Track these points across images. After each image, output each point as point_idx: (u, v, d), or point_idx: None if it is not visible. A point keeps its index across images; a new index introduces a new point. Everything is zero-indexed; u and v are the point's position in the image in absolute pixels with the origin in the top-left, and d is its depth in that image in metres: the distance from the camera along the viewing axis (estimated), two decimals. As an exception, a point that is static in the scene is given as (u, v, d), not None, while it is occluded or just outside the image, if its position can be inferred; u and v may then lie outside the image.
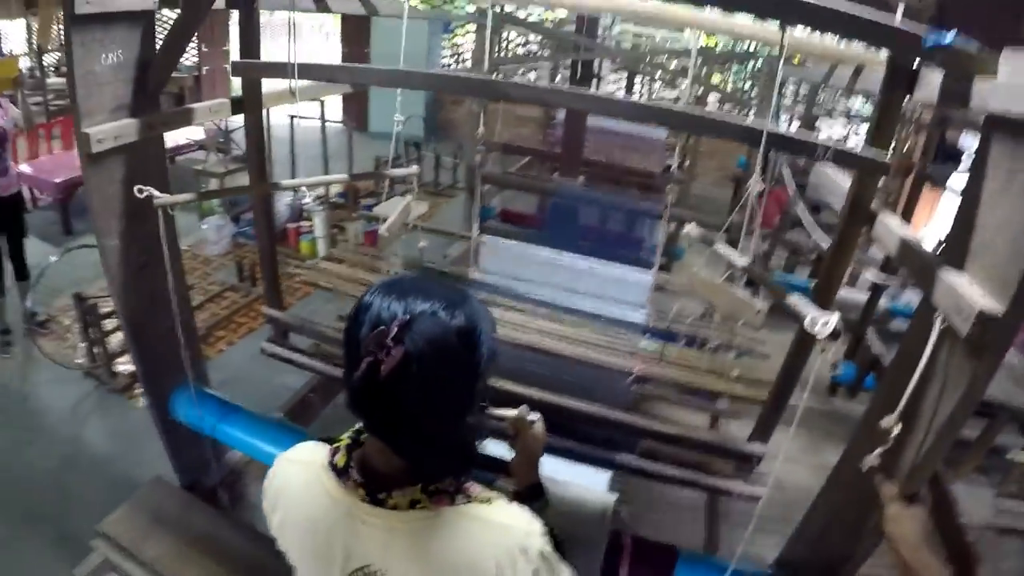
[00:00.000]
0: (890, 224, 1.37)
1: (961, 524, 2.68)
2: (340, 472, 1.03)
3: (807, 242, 4.06)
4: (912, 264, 1.22)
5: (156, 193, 1.79)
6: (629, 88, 8.14)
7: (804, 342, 1.70)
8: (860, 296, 3.74)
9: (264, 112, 2.34)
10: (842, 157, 1.38)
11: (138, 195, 1.77)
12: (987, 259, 1.06)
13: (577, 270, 2.37)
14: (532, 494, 1.33)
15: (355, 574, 1.05)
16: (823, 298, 1.56)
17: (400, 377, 0.85)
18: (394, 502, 0.99)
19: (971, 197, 1.12)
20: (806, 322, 1.17)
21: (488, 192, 4.49)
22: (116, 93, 1.81)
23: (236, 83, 2.31)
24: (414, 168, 2.32)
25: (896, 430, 1.14)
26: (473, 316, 0.96)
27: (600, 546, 1.62)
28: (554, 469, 1.80)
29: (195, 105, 2.18)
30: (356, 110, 9.51)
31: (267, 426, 2.16)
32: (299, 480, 1.10)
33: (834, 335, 1.12)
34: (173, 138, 6.89)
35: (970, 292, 1.02)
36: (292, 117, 5.67)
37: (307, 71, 1.97)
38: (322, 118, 4.91)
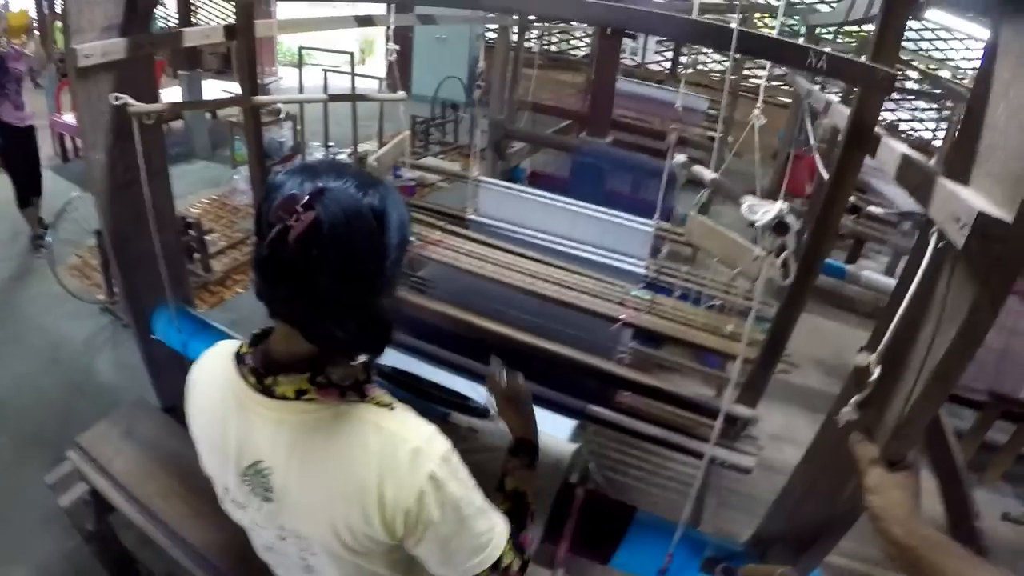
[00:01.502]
0: (893, 144, 1.22)
1: (976, 527, 2.49)
2: (240, 359, 0.98)
3: (846, 224, 3.85)
4: (912, 181, 1.06)
5: (131, 101, 1.79)
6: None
7: (798, 294, 1.54)
8: (890, 281, 3.53)
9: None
10: (840, 67, 1.22)
11: (114, 102, 1.78)
12: (994, 163, 0.89)
13: (576, 216, 2.25)
14: (517, 448, 1.28)
15: (248, 471, 0.99)
16: (821, 232, 1.40)
17: (308, 243, 0.81)
18: (282, 390, 0.92)
19: (978, 95, 0.96)
20: (742, 209, 1.02)
21: (518, 153, 4.41)
22: (107, 13, 1.80)
23: (284, 45, 2.29)
24: (401, 94, 2.26)
25: (876, 372, 0.98)
26: (385, 198, 0.90)
27: (551, 496, 1.52)
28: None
29: (187, 29, 2.18)
30: (399, 74, 9.49)
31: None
32: (210, 370, 1.06)
33: (780, 227, 0.96)
34: (214, 93, 7.07)
35: (969, 196, 0.85)
36: (325, 72, 5.65)
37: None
38: (352, 75, 4.87)
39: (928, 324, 0.93)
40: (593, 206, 2.25)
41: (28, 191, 4.79)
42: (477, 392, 1.73)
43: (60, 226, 4.58)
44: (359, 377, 0.97)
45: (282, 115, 6.28)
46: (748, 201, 0.99)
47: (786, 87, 6.46)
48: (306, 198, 0.82)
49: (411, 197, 2.84)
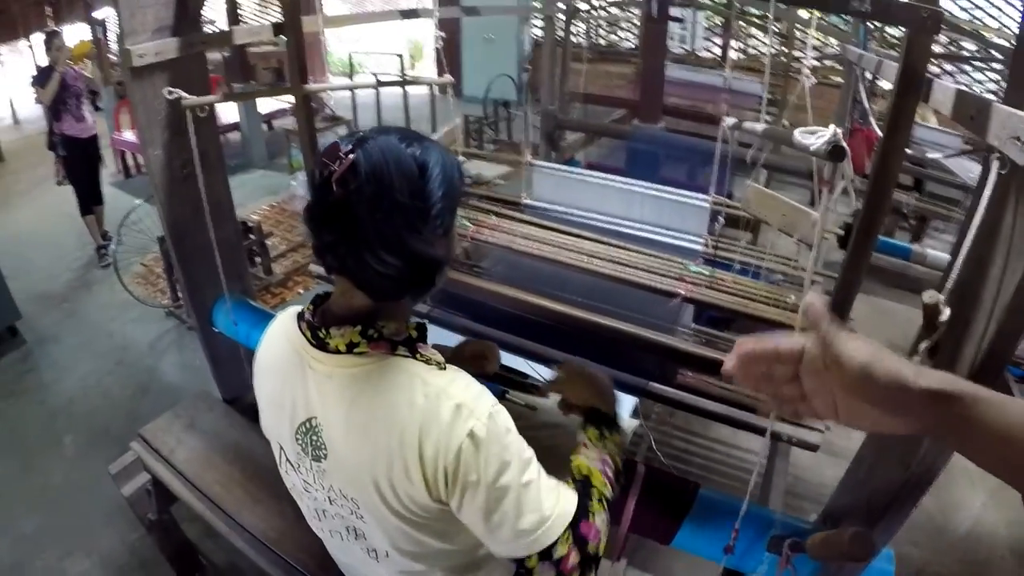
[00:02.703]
0: (945, 84, 1.14)
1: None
2: (301, 317, 1.00)
3: (909, 202, 3.67)
4: (968, 112, 0.99)
5: (183, 94, 1.87)
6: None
7: (859, 255, 1.45)
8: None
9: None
10: (885, 9, 1.15)
11: (167, 96, 1.87)
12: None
13: (631, 196, 2.20)
14: (586, 420, 1.24)
15: (301, 428, 1.01)
16: (879, 184, 1.32)
17: (348, 182, 0.84)
18: (334, 343, 0.93)
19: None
20: (795, 137, 0.95)
21: (572, 146, 4.38)
22: (158, 15, 1.86)
23: (335, 56, 2.33)
24: (447, 77, 2.26)
25: (946, 313, 0.92)
26: (430, 149, 0.92)
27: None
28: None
29: (236, 27, 2.22)
30: (450, 75, 9.68)
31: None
32: (276, 330, 1.08)
33: (835, 153, 0.88)
34: (270, 105, 7.28)
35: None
36: (376, 76, 5.74)
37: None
38: (402, 75, 4.94)
39: (996, 260, 0.86)
40: (647, 184, 2.19)
41: (89, 200, 5.05)
42: (534, 371, 1.70)
43: (125, 236, 4.73)
44: (411, 334, 0.97)
45: (329, 109, 6.45)
46: (801, 129, 0.93)
47: (839, 67, 6.25)
48: (349, 146, 0.86)
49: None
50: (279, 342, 1.05)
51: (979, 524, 2.70)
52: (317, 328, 0.95)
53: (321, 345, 0.94)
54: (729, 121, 1.49)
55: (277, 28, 2.26)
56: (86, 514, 2.72)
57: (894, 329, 3.46)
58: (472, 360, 1.40)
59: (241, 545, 1.74)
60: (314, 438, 0.99)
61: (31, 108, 5.08)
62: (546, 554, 0.95)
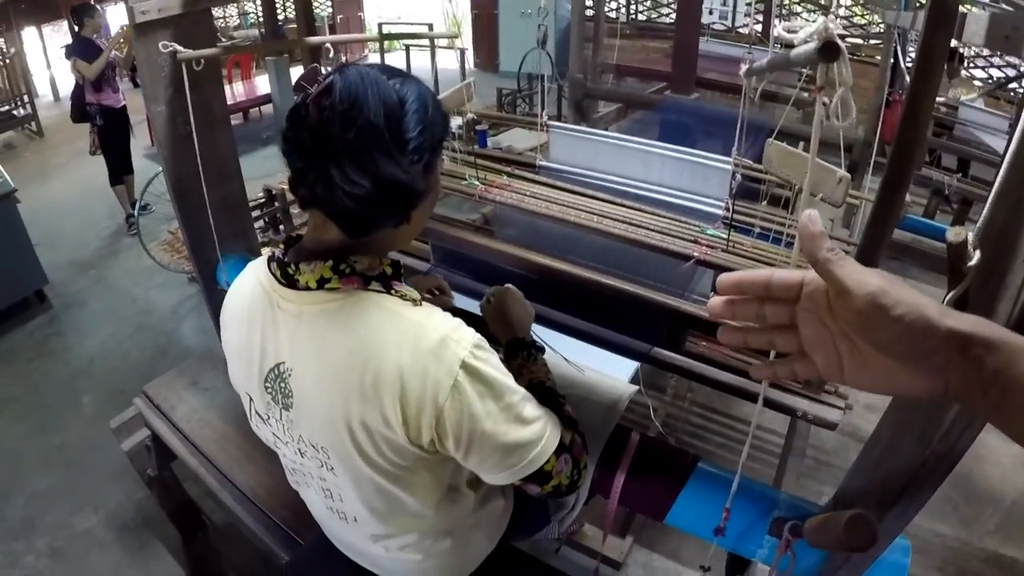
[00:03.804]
0: (977, 13, 1.02)
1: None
2: (271, 258, 0.94)
3: (952, 184, 3.49)
4: (1001, 34, 0.87)
5: (179, 48, 1.83)
6: None
7: (882, 218, 1.34)
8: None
9: None
10: None
11: (163, 50, 1.83)
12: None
13: (650, 157, 2.10)
14: (509, 352, 1.19)
15: (269, 375, 0.95)
16: (909, 131, 1.20)
17: (323, 101, 0.81)
18: (304, 279, 0.87)
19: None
20: (778, 30, 0.84)
21: (604, 119, 4.29)
22: None
23: (372, 30, 2.28)
24: (458, 39, 2.17)
25: (975, 257, 0.80)
26: (411, 84, 0.88)
27: (603, 440, 1.38)
28: (582, 355, 1.60)
29: None
30: (486, 51, 10.21)
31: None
32: (245, 277, 1.02)
33: (827, 51, 0.76)
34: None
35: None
36: (407, 48, 5.71)
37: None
38: (432, 48, 4.90)
39: None
40: (667, 145, 2.09)
41: (120, 170, 5.15)
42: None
43: (154, 205, 4.81)
44: (386, 270, 0.91)
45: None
46: (785, 25, 0.82)
47: (879, 43, 6.01)
48: (330, 71, 0.85)
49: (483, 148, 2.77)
50: (248, 287, 0.99)
51: (1008, 520, 2.55)
52: (287, 265, 0.89)
53: (291, 283, 0.89)
54: (743, 68, 1.38)
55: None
56: (97, 472, 2.76)
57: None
58: (431, 296, 1.38)
59: (230, 502, 1.72)
60: (282, 385, 0.94)
61: (70, 84, 5.15)
62: (543, 475, 0.95)
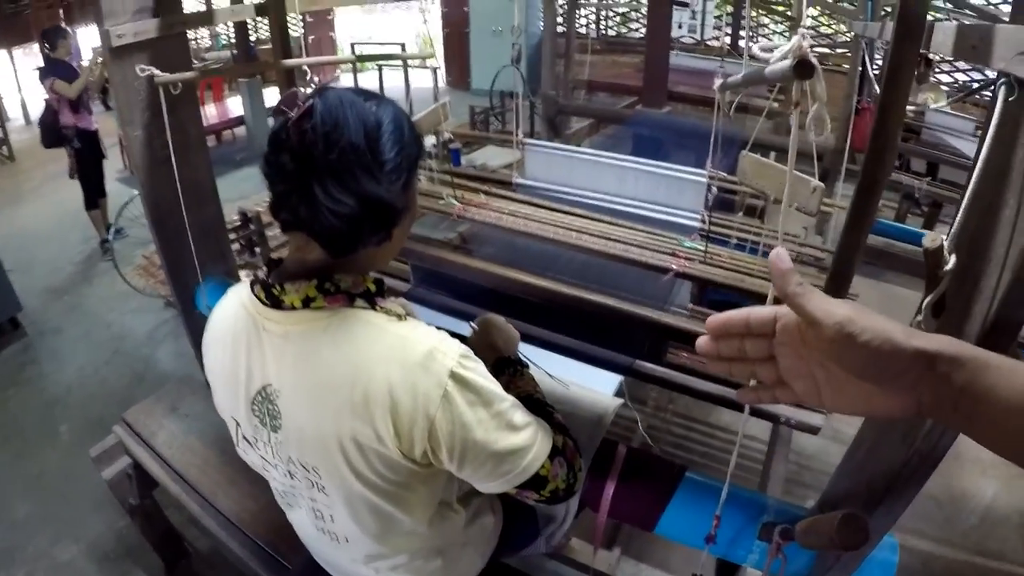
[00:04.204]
0: (945, 25, 1.05)
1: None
2: (254, 281, 0.93)
3: (921, 187, 3.56)
4: (970, 42, 0.90)
5: (156, 72, 1.82)
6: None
7: (857, 223, 1.37)
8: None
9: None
10: None
11: (140, 73, 1.82)
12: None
13: (625, 172, 2.13)
14: (497, 369, 1.19)
15: (256, 398, 0.94)
16: (883, 124, 1.23)
17: (303, 125, 0.82)
18: (289, 299, 0.87)
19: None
20: (754, 50, 0.86)
21: (576, 135, 4.32)
22: None
23: (344, 51, 2.30)
24: (431, 55, 2.21)
25: (951, 261, 0.82)
26: (388, 106, 0.90)
27: (590, 454, 1.39)
28: (566, 370, 1.61)
29: (217, 8, 2.18)
30: (458, 69, 10.24)
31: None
32: (227, 302, 1.02)
33: (801, 69, 0.77)
34: (276, 99, 7.26)
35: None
36: (380, 67, 5.73)
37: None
38: (405, 69, 4.92)
39: (1008, 202, 0.77)
40: (642, 160, 2.12)
41: (95, 192, 5.10)
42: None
43: (129, 230, 4.75)
44: (370, 288, 0.92)
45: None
46: (760, 46, 0.84)
47: (846, 52, 6.12)
48: (310, 93, 0.87)
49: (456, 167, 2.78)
50: (232, 311, 0.99)
51: (991, 513, 2.59)
52: (271, 286, 0.89)
53: (276, 304, 0.89)
54: (718, 82, 1.41)
55: (260, 8, 2.22)
56: (77, 501, 2.70)
57: (906, 316, 3.34)
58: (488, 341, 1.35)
59: (214, 528, 1.69)
60: (270, 407, 0.93)
61: (41, 107, 5.09)
62: (538, 482, 0.95)
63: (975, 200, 0.80)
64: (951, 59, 6.35)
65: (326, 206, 0.82)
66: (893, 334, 0.47)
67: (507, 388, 1.08)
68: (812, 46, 0.79)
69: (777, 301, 0.55)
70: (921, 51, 1.13)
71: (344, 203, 0.82)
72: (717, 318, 0.57)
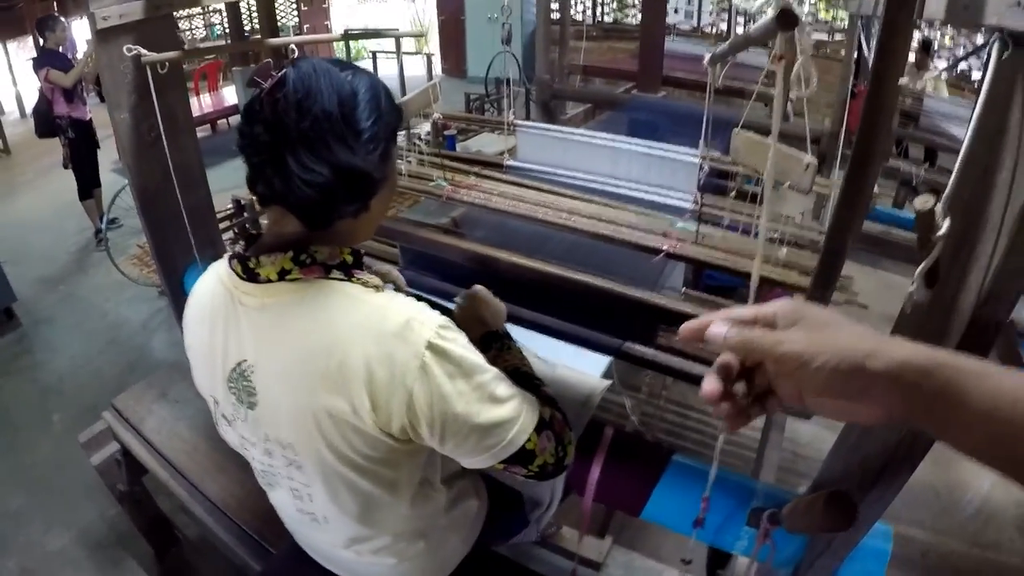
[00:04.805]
0: None
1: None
2: (232, 256, 0.92)
3: (919, 174, 3.53)
4: (960, 5, 0.86)
5: (143, 51, 1.80)
6: None
7: (851, 199, 1.34)
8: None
9: None
10: None
11: (127, 53, 1.80)
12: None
13: (617, 153, 2.10)
14: (484, 344, 1.16)
15: (232, 374, 0.93)
16: (873, 118, 1.20)
17: (276, 94, 0.81)
18: (265, 272, 0.85)
19: None
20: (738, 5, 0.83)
21: (572, 121, 4.29)
22: None
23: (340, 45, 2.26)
24: (422, 32, 2.16)
25: (944, 225, 0.75)
26: (363, 75, 0.88)
27: (577, 436, 1.36)
28: (553, 352, 1.59)
29: None
30: (454, 57, 10.24)
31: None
32: (205, 277, 1.01)
33: (784, 19, 0.75)
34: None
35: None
36: (374, 53, 5.70)
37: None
38: (398, 54, 4.88)
39: (1005, 164, 0.74)
40: (635, 140, 2.09)
41: (89, 183, 5.08)
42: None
43: (121, 219, 4.73)
44: (346, 259, 0.90)
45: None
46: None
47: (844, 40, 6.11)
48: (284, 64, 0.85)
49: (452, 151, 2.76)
50: (209, 287, 0.97)
51: (987, 504, 2.57)
52: (247, 259, 0.87)
53: (252, 277, 0.87)
54: (707, 56, 1.38)
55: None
56: (68, 489, 2.70)
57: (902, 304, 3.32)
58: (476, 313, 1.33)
59: (201, 514, 1.68)
60: (245, 383, 0.92)
61: (35, 99, 5.07)
62: (525, 456, 0.92)
63: (969, 164, 0.77)
64: (948, 44, 6.32)
65: (299, 176, 0.80)
66: (852, 354, 0.47)
67: (494, 362, 1.06)
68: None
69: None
70: (921, 38, 1.11)
71: (317, 172, 0.80)
72: (689, 324, 0.57)
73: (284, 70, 0.82)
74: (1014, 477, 0.47)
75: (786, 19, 0.73)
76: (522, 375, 1.07)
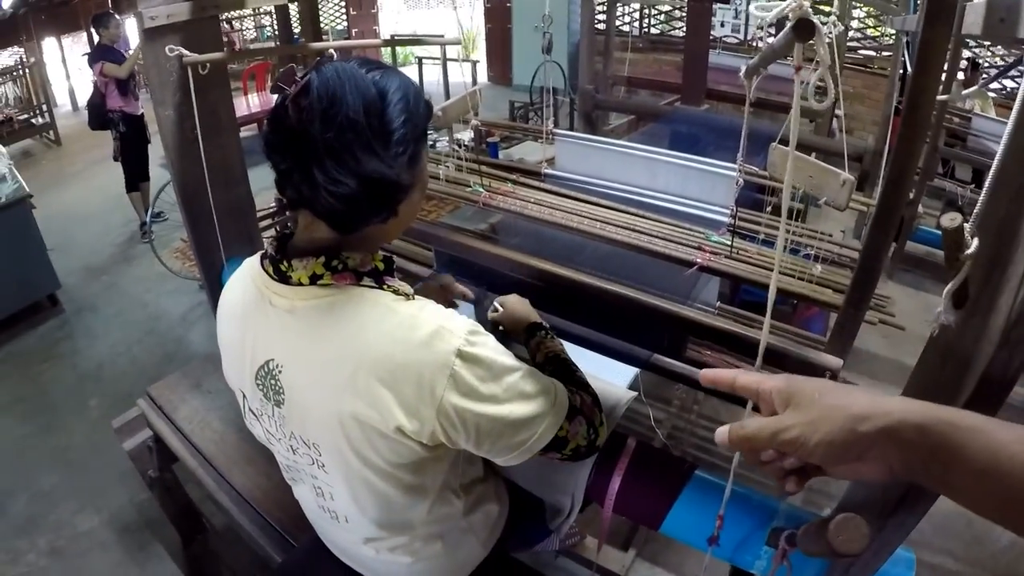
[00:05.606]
0: (977, 3, 1.00)
1: None
2: (264, 255, 0.94)
3: (965, 194, 3.45)
4: (996, 18, 0.84)
5: (185, 52, 1.85)
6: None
7: (885, 216, 1.32)
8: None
9: None
10: None
11: (169, 53, 1.85)
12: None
13: (655, 165, 2.09)
14: (528, 334, 1.25)
15: (260, 371, 0.95)
16: (911, 128, 1.18)
17: (301, 100, 0.80)
18: (297, 275, 0.87)
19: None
20: (752, 8, 0.81)
21: (615, 132, 4.29)
22: None
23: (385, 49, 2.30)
24: (458, 37, 2.19)
25: (973, 245, 0.72)
26: (392, 76, 0.87)
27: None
28: (582, 362, 1.59)
29: None
30: (500, 64, 10.36)
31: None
32: (239, 273, 1.02)
33: (801, 28, 0.72)
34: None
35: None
36: (420, 59, 5.76)
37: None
38: (443, 60, 4.93)
39: None
40: (673, 152, 2.09)
41: (136, 176, 5.20)
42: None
43: (166, 213, 4.86)
44: (378, 266, 0.92)
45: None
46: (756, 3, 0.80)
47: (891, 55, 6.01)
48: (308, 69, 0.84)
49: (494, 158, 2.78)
50: (242, 284, 0.99)
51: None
52: (279, 261, 0.89)
53: (283, 279, 0.89)
54: (743, 69, 1.37)
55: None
56: (101, 473, 2.77)
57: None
58: (438, 294, 1.40)
59: (227, 503, 1.71)
60: (273, 382, 0.93)
61: (88, 93, 5.23)
62: (559, 443, 0.96)
63: (1002, 183, 0.75)
64: (997, 61, 6.15)
65: (325, 187, 0.80)
66: (844, 423, 0.50)
67: (539, 348, 1.15)
68: (854, 49, 0.75)
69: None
70: (968, 55, 1.09)
71: (343, 183, 0.80)
72: (706, 374, 0.68)
73: (308, 76, 0.82)
74: (1017, 531, 0.46)
75: (803, 30, 0.72)
76: (561, 361, 1.12)
